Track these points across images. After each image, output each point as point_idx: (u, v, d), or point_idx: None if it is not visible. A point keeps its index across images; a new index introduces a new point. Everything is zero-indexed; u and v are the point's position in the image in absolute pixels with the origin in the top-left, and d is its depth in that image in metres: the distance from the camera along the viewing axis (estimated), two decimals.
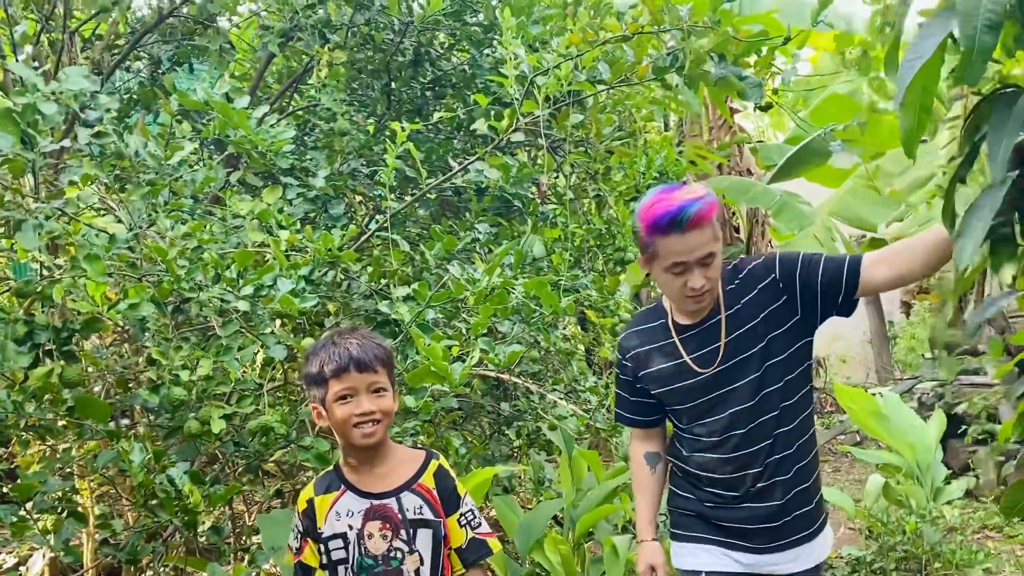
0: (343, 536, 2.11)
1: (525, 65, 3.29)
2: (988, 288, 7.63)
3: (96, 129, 2.69)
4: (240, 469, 3.04)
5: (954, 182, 2.02)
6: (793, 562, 2.31)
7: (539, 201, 5.21)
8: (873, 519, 4.58)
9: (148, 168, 3.13)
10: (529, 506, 4.58)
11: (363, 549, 2.10)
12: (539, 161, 5.17)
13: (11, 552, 4.64)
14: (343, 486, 2.15)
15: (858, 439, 8.25)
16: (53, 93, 2.59)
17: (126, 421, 3.94)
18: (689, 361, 2.28)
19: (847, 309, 2.26)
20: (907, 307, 9.05)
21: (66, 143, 3.20)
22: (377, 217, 4.01)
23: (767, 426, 2.25)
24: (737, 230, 9.76)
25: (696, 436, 2.32)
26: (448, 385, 2.66)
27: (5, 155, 2.78)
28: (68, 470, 3.95)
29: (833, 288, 2.21)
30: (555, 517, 4.21)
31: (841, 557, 4.90)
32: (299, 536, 2.16)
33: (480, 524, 2.23)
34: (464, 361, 2.73)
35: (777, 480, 2.27)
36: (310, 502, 2.15)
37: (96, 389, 3.75)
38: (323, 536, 2.13)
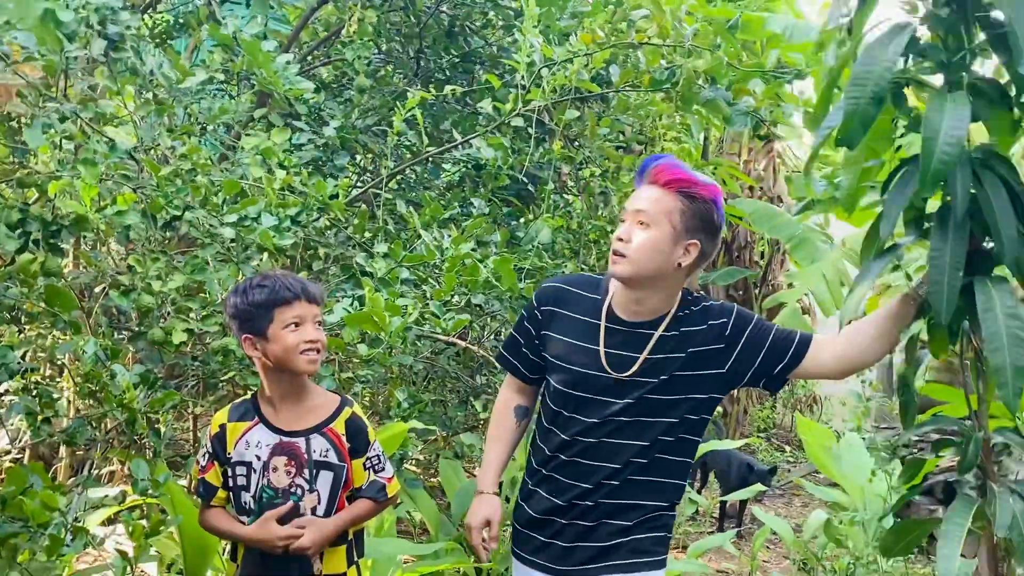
0: (248, 464, 2.26)
1: (537, 55, 3.42)
2: None
3: (114, 43, 2.86)
4: (199, 385, 3.23)
5: (872, 238, 2.12)
6: None
7: (554, 188, 5.34)
8: (809, 553, 4.68)
9: (163, 88, 3.32)
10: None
11: (266, 480, 2.26)
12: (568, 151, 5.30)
13: None
14: (257, 418, 2.29)
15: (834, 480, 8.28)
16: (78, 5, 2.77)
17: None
18: (603, 354, 2.17)
19: (775, 385, 2.23)
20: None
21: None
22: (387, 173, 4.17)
23: (626, 451, 2.16)
24: (762, 255, 9.80)
25: (556, 431, 2.23)
26: (386, 334, 2.81)
27: (30, 54, 2.99)
28: (60, 362, 4.20)
29: (776, 358, 2.17)
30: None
31: None
32: (207, 455, 2.32)
33: (384, 468, 2.38)
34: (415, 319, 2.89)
35: (604, 504, 2.18)
36: (222, 427, 2.30)
37: (96, 290, 3.99)
38: (231, 461, 2.28)
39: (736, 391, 9.45)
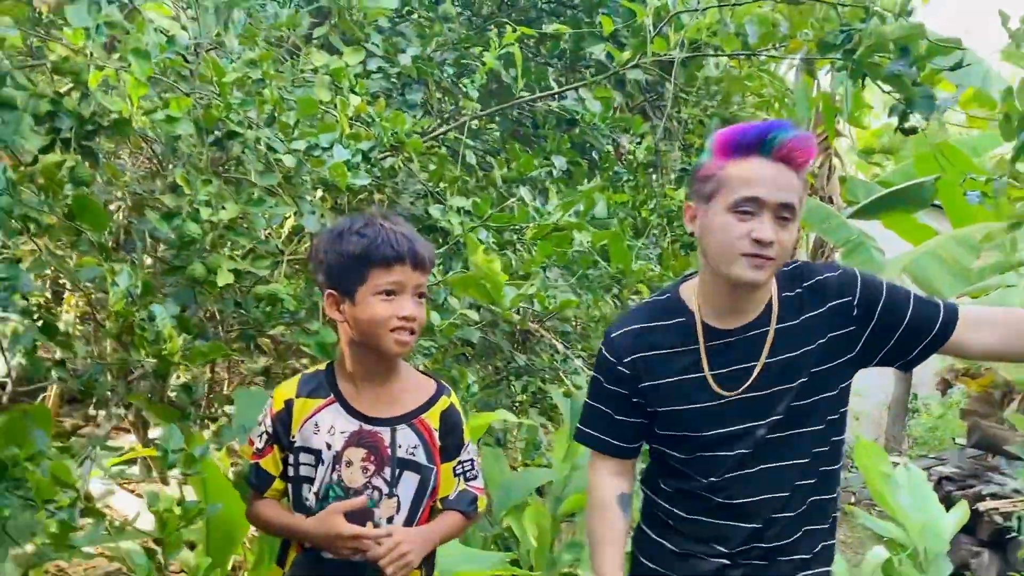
0: (317, 453, 1.80)
1: None
2: None
3: None
4: (234, 334, 2.74)
5: None
6: None
7: (615, 159, 4.85)
8: None
9: None
10: (515, 465, 4.29)
11: (336, 476, 1.79)
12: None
13: None
14: (333, 396, 1.83)
15: (853, 500, 7.92)
16: None
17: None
18: (710, 379, 1.76)
19: (913, 363, 1.81)
20: (945, 385, 8.67)
21: None
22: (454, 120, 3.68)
23: (789, 474, 1.77)
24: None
25: (691, 474, 1.82)
26: (496, 306, 2.33)
27: None
28: (61, 281, 3.69)
29: (917, 335, 1.75)
30: (538, 488, 3.92)
31: None
32: (264, 437, 1.85)
33: (476, 476, 1.93)
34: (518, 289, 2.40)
35: (782, 544, 1.80)
36: (288, 404, 1.83)
37: (111, 208, 3.48)
38: (294, 445, 1.82)
39: None
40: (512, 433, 4.51)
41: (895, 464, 5.04)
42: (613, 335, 1.86)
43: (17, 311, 2.49)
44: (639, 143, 4.92)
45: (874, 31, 2.32)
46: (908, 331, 1.75)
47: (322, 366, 1.91)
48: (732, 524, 1.79)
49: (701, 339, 1.78)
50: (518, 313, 3.94)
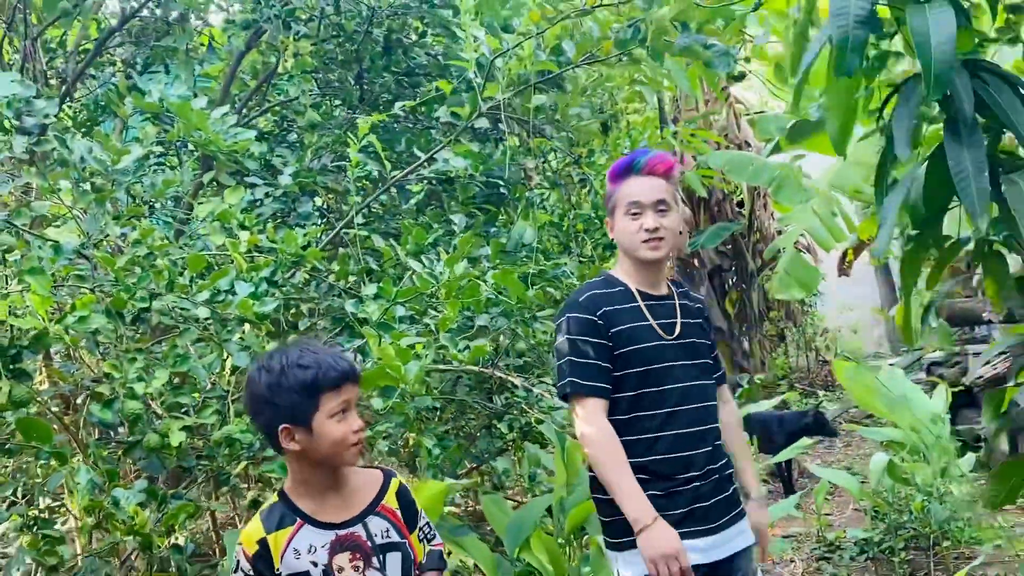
0: (306, 575, 1.97)
1: (485, 47, 3.16)
2: None
3: (35, 136, 2.57)
4: (207, 482, 2.94)
5: (883, 168, 2.07)
6: (742, 535, 2.37)
7: (528, 186, 5.09)
8: (879, 499, 4.44)
9: (100, 174, 3.03)
10: (521, 499, 4.47)
11: None
12: (529, 145, 5.05)
13: None
14: (299, 519, 1.97)
15: (870, 413, 8.08)
16: None
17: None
18: (655, 325, 2.35)
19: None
20: None
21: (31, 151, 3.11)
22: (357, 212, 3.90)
23: (712, 409, 2.40)
24: (740, 205, 9.56)
25: (651, 409, 2.30)
26: (405, 385, 2.54)
27: None
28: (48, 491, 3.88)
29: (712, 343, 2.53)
30: (549, 510, 4.09)
31: (847, 539, 4.77)
32: None
33: (435, 536, 2.13)
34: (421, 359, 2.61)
35: (722, 460, 2.39)
36: (262, 543, 1.94)
37: (79, 400, 3.68)
38: None
39: (748, 344, 9.29)
40: (514, 473, 4.69)
41: (878, 367, 5.24)
42: (581, 299, 2.39)
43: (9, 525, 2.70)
44: (544, 161, 5.17)
45: (653, 18, 2.57)
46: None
47: (275, 498, 2.07)
48: (694, 452, 2.30)
49: (639, 299, 2.39)
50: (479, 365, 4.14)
